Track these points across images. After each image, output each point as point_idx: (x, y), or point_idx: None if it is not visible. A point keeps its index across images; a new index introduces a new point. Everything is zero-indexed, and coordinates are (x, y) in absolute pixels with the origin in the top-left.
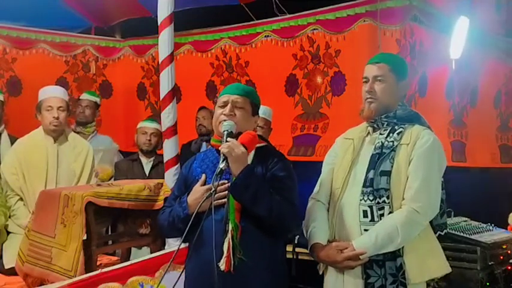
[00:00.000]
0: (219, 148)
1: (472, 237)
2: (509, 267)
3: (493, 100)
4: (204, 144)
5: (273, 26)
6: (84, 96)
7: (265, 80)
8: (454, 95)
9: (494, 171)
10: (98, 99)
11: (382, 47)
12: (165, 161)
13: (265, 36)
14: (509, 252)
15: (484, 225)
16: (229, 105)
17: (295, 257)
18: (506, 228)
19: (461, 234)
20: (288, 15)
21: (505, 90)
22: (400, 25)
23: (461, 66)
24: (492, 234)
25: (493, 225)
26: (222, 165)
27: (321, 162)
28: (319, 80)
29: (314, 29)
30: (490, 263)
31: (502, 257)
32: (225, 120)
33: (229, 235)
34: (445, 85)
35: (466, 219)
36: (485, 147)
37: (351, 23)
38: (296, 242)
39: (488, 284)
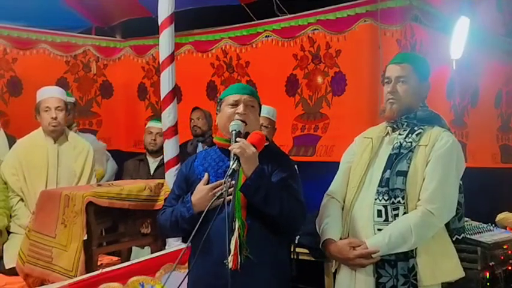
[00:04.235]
0: (230, 148)
1: (473, 237)
2: (509, 267)
3: (494, 100)
4: (200, 144)
5: (274, 26)
6: None
7: (265, 80)
8: (455, 95)
9: (495, 171)
10: (73, 99)
11: (383, 47)
12: (165, 161)
13: (265, 37)
14: (509, 252)
15: (485, 226)
16: (242, 104)
17: (295, 257)
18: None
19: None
20: (289, 15)
21: (506, 90)
22: (400, 25)
23: (462, 66)
24: (493, 235)
25: (493, 225)
26: (234, 165)
27: (322, 162)
28: (319, 80)
29: (314, 29)
30: (490, 263)
31: (502, 257)
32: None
33: (236, 233)
34: (446, 85)
35: (467, 219)
36: (486, 148)
37: (351, 23)
38: (296, 242)
39: (488, 284)
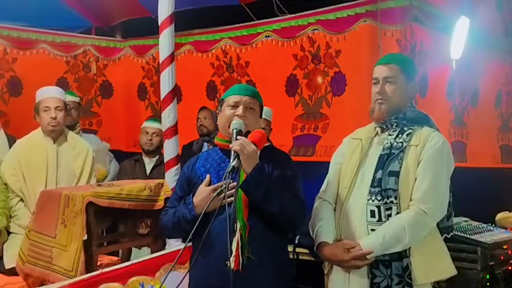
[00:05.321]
0: (230, 146)
1: (473, 237)
2: (509, 267)
3: (494, 100)
4: (205, 144)
5: (274, 26)
6: (66, 97)
7: (265, 80)
8: (455, 95)
9: (495, 171)
10: (78, 99)
11: (383, 47)
12: (165, 161)
13: (265, 37)
14: (509, 252)
15: (485, 226)
16: (241, 106)
17: (295, 257)
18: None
19: (462, 234)
20: (289, 15)
21: (506, 90)
22: (400, 25)
23: (462, 66)
24: (493, 235)
25: (493, 225)
26: (234, 162)
27: (322, 162)
28: (319, 80)
29: (314, 29)
30: (490, 263)
31: (502, 257)
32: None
33: (237, 234)
34: (446, 85)
35: (467, 219)
36: (486, 148)
37: (351, 23)
38: (296, 242)
39: (488, 284)
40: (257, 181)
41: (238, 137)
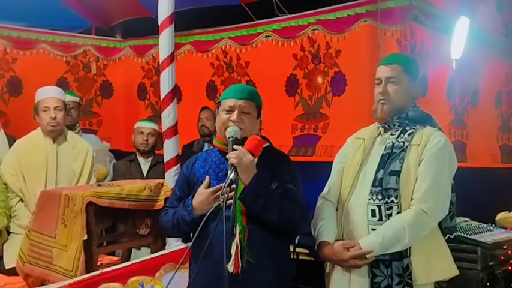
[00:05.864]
0: (227, 157)
1: (473, 237)
2: (509, 267)
3: (494, 100)
4: (206, 145)
5: (274, 26)
6: (66, 97)
7: (265, 80)
8: (455, 95)
9: (495, 171)
10: (78, 99)
11: (383, 48)
12: (165, 161)
13: (265, 37)
14: (509, 252)
15: (485, 226)
16: (236, 111)
17: (295, 257)
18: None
19: (462, 234)
20: (289, 15)
21: (506, 90)
22: (400, 25)
23: (462, 66)
24: (493, 235)
25: (493, 225)
26: (231, 175)
27: (322, 162)
28: (319, 80)
29: (314, 29)
30: (490, 263)
31: (502, 257)
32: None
33: (237, 238)
34: (446, 85)
35: (467, 219)
36: (486, 148)
37: (351, 23)
38: (296, 242)
39: (488, 284)
40: (255, 193)
41: (235, 146)
